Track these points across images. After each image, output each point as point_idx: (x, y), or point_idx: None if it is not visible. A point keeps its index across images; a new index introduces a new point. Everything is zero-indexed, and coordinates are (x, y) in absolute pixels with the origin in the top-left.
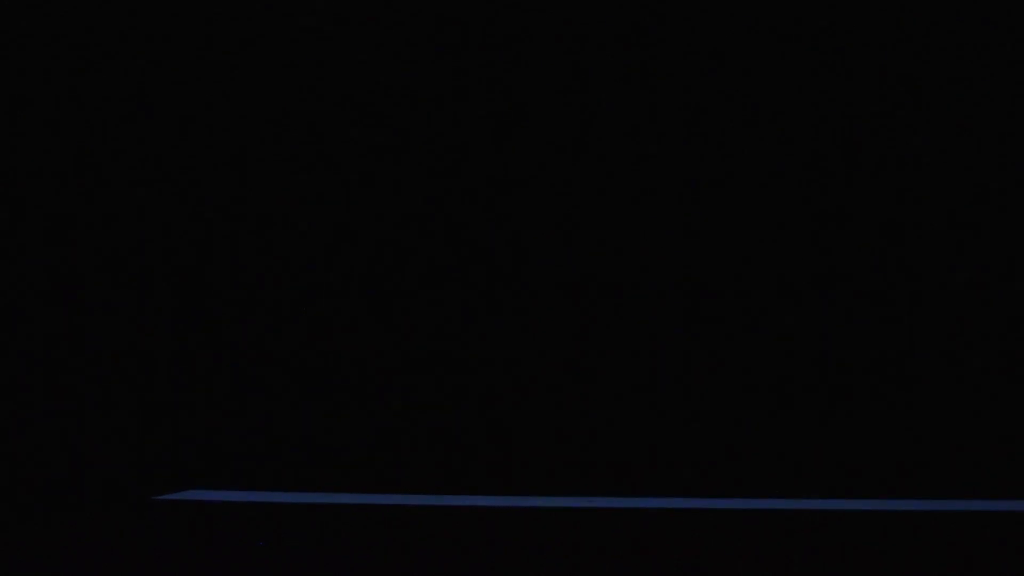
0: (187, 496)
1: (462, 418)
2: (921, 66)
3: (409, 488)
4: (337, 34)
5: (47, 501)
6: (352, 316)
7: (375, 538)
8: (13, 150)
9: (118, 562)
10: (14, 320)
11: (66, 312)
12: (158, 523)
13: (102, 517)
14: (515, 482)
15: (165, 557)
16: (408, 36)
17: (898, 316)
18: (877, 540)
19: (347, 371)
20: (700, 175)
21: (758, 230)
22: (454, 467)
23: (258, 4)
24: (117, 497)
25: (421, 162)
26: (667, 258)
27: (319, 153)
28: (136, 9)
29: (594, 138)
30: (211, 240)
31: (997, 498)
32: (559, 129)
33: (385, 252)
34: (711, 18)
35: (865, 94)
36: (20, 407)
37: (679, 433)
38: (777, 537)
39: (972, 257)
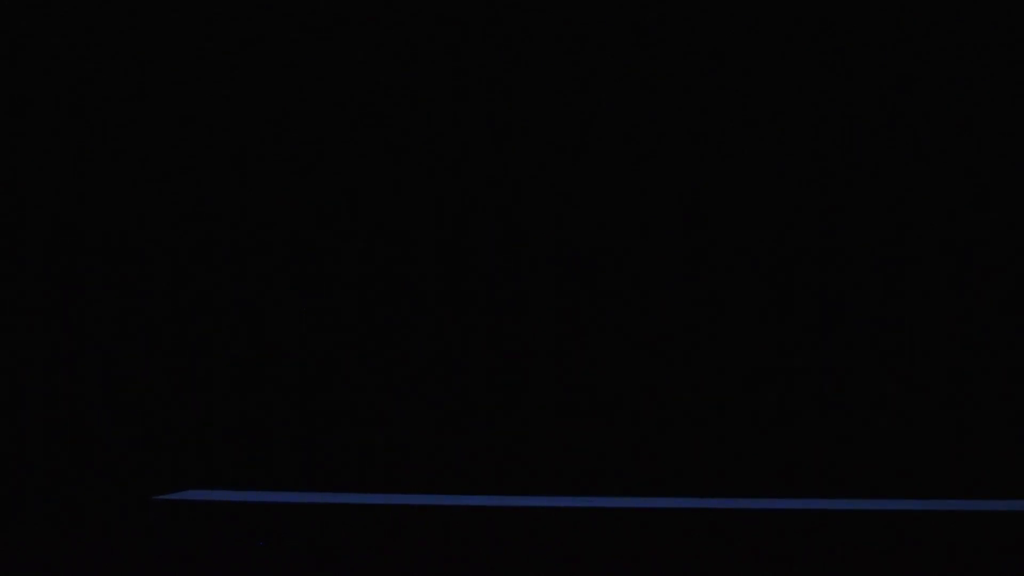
0: (187, 496)
1: (462, 418)
2: (921, 66)
3: (409, 488)
4: (337, 34)
5: (47, 501)
6: (352, 316)
7: (375, 538)
8: (13, 150)
9: (118, 562)
10: (14, 320)
11: (65, 312)
12: (158, 523)
13: (102, 517)
14: (515, 482)
15: (165, 557)
16: (408, 36)
17: (898, 315)
18: (877, 540)
19: (347, 371)
20: (700, 175)
21: (758, 229)
22: (454, 467)
23: (258, 4)
24: (117, 497)
25: (421, 161)
26: (668, 257)
27: (315, 152)
28: (136, 9)
29: (594, 138)
30: (210, 239)
31: (997, 498)
32: (558, 129)
33: (384, 251)
34: (711, 18)
35: (865, 94)
36: (20, 407)
37: (679, 433)
38: (777, 537)
39: (972, 256)
